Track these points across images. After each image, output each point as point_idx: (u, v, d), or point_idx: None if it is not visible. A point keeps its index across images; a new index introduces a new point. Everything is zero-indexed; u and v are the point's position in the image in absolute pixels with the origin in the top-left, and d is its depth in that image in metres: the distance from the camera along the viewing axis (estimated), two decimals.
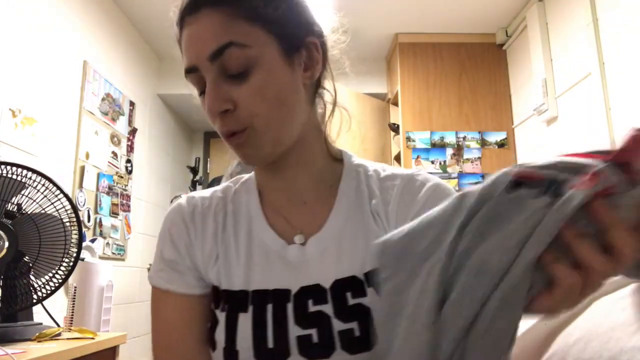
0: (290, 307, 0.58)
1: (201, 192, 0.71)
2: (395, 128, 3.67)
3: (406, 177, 0.63)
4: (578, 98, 2.63)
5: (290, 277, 0.60)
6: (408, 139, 3.43)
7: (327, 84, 0.68)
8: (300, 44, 0.61)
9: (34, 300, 1.34)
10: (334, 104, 0.69)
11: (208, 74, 0.57)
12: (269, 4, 0.58)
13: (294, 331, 0.56)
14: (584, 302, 0.62)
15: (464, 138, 3.45)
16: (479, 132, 3.45)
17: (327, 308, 0.57)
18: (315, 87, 0.65)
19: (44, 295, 1.35)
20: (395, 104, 3.69)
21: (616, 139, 2.42)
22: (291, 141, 0.61)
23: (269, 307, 0.58)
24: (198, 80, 0.59)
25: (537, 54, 2.97)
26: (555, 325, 0.62)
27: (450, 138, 3.44)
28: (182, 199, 0.71)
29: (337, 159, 0.69)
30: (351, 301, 0.56)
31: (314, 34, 0.63)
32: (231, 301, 0.60)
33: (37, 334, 1.30)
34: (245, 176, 0.72)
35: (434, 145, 3.43)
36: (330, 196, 0.65)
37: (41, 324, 1.42)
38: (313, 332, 0.56)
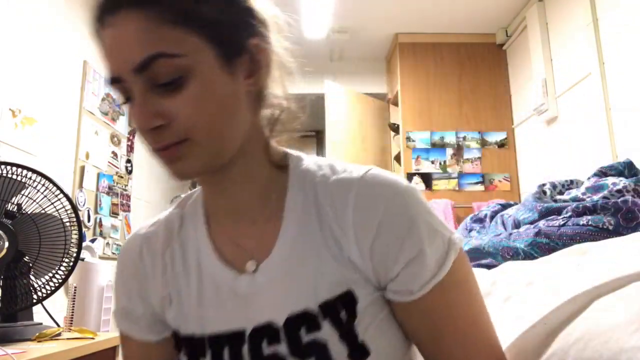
0: (245, 349, 0.55)
1: (149, 224, 0.67)
2: (395, 128, 3.67)
3: (357, 185, 0.55)
4: (578, 98, 2.63)
5: (243, 313, 0.56)
6: (408, 139, 3.43)
7: (276, 87, 0.60)
8: (242, 48, 0.54)
9: (34, 300, 1.34)
10: (282, 109, 0.61)
11: (134, 86, 0.50)
12: (203, 4, 0.51)
13: None
14: (584, 301, 0.62)
15: (464, 138, 3.45)
16: (479, 132, 3.45)
17: (282, 348, 0.54)
18: (261, 92, 0.58)
19: (44, 295, 1.35)
20: (395, 104, 3.69)
21: (616, 139, 2.41)
22: (232, 153, 0.55)
23: (226, 351, 0.56)
24: (122, 89, 0.52)
25: (537, 54, 2.97)
26: (555, 325, 0.62)
27: (450, 138, 3.44)
28: (131, 236, 0.67)
29: (283, 165, 0.61)
30: (305, 338, 0.53)
31: (257, 35, 0.55)
32: (189, 347, 0.59)
33: (37, 334, 1.30)
34: (195, 194, 0.67)
35: (434, 145, 3.43)
36: (278, 213, 0.58)
37: (41, 324, 1.42)
38: None
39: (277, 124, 0.61)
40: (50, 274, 1.35)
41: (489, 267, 1.34)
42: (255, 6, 0.56)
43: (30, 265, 1.33)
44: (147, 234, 0.65)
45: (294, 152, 0.64)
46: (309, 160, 0.62)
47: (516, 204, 1.84)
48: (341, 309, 0.53)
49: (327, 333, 0.53)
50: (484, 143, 3.44)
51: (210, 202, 0.63)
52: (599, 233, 1.17)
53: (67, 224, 1.36)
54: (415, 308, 0.53)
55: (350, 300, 0.54)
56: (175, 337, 0.61)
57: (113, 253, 2.94)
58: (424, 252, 0.52)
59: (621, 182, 1.32)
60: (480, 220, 1.86)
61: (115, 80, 0.51)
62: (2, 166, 1.30)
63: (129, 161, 3.22)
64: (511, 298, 0.84)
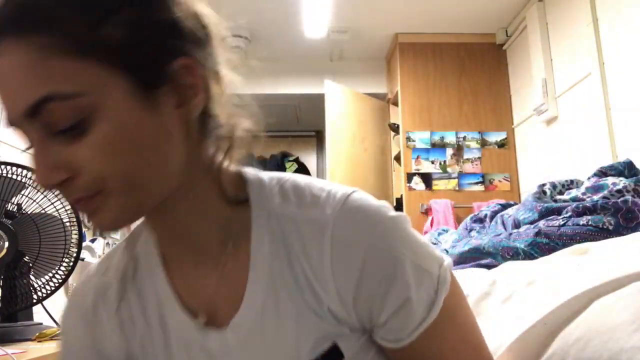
0: None
1: (100, 270, 0.59)
2: (395, 128, 3.67)
3: (332, 224, 0.47)
4: (578, 98, 2.63)
5: None
6: (408, 139, 3.43)
7: (221, 107, 0.49)
8: (164, 73, 0.44)
9: (34, 300, 1.34)
10: (233, 131, 0.51)
11: (30, 134, 0.42)
12: (105, 26, 0.40)
13: None
14: (584, 301, 0.62)
15: (464, 138, 3.45)
16: (479, 132, 3.45)
17: None
18: (202, 117, 0.48)
19: (44, 295, 1.35)
20: (395, 104, 3.69)
21: (616, 139, 2.40)
22: (162, 197, 0.47)
23: None
24: (19, 134, 0.44)
25: (537, 54, 2.97)
26: (555, 325, 0.62)
27: (450, 138, 3.44)
28: (81, 290, 0.59)
29: (244, 199, 0.52)
30: None
31: (185, 54, 0.45)
32: None
33: (37, 334, 1.30)
34: (144, 232, 0.58)
35: (434, 145, 3.43)
36: (243, 255, 0.51)
37: (41, 324, 1.42)
38: None
39: (231, 148, 0.51)
40: (50, 274, 1.35)
41: (489, 267, 1.34)
42: (179, 18, 0.44)
43: (30, 265, 1.33)
44: (99, 285, 0.57)
45: (252, 174, 0.54)
46: (271, 186, 0.53)
47: (516, 204, 1.84)
48: None
49: None
50: (484, 143, 3.44)
51: (163, 243, 0.55)
52: (599, 233, 1.17)
53: (67, 224, 1.36)
54: (406, 351, 0.49)
55: (337, 356, 0.48)
56: None
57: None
58: (411, 300, 0.47)
59: (621, 182, 1.32)
60: (480, 220, 1.86)
61: (11, 124, 0.43)
62: (2, 166, 1.30)
63: None
64: (511, 298, 0.84)
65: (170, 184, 0.47)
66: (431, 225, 3.14)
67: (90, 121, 0.41)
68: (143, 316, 0.54)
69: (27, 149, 0.44)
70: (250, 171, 0.55)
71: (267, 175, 0.54)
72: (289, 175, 0.55)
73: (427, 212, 3.29)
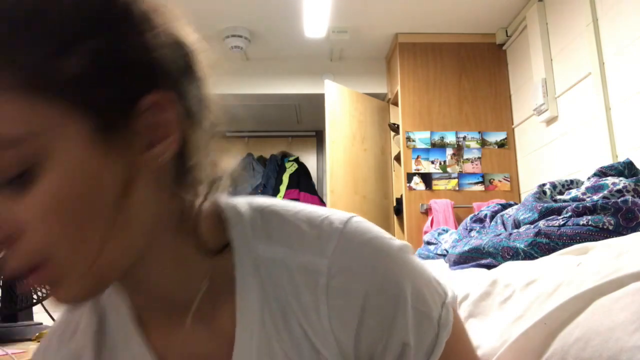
0: None
1: (67, 332, 0.49)
2: (395, 128, 3.67)
3: (328, 266, 0.42)
4: (578, 98, 2.63)
5: None
6: (408, 139, 3.43)
7: (201, 144, 0.42)
8: (131, 112, 0.36)
9: (34, 300, 1.34)
10: (213, 180, 0.43)
11: None
12: (60, 58, 0.33)
13: None
14: (584, 301, 0.62)
15: (464, 138, 3.45)
16: (479, 132, 3.45)
17: None
18: (179, 160, 0.41)
19: (44, 295, 1.35)
20: (395, 104, 3.69)
21: (616, 139, 2.41)
22: (129, 263, 0.39)
23: None
24: None
25: (537, 54, 2.97)
26: (555, 325, 0.62)
27: (450, 138, 3.44)
28: (49, 351, 0.49)
29: (218, 246, 0.44)
30: None
31: (158, 87, 0.38)
32: None
33: (37, 334, 1.30)
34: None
35: (434, 145, 3.43)
36: (230, 312, 0.44)
37: (41, 324, 1.42)
38: None
39: (212, 190, 0.44)
40: None
41: (489, 267, 1.34)
42: (152, 47, 0.37)
43: None
44: (73, 352, 0.47)
45: (229, 209, 0.46)
46: (253, 222, 0.46)
47: (516, 204, 1.84)
48: None
49: None
50: (484, 143, 3.44)
51: (137, 303, 0.47)
52: (599, 233, 1.17)
53: None
54: None
55: None
56: None
57: None
58: (409, 346, 0.44)
59: (621, 182, 1.32)
60: (480, 220, 1.86)
61: None
62: None
63: None
64: (511, 298, 0.84)
65: (138, 246, 0.39)
66: (431, 225, 3.14)
67: (36, 171, 0.33)
68: None
69: None
70: (226, 205, 0.47)
71: (245, 206, 0.47)
72: (270, 203, 0.48)
73: (427, 212, 3.29)
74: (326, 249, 0.43)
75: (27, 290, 0.35)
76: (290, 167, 4.36)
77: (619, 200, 1.22)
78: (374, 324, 0.43)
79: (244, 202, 0.48)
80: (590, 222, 1.21)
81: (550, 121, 2.91)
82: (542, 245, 1.25)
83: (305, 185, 4.27)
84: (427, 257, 1.95)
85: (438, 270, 1.52)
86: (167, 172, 0.40)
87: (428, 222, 3.22)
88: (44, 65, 0.33)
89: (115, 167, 0.36)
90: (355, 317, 0.43)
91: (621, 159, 1.83)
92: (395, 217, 3.66)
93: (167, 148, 0.39)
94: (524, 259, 1.28)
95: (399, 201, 3.53)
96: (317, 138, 4.92)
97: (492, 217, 1.78)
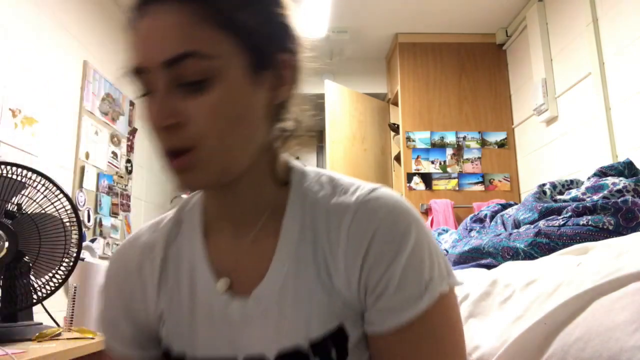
0: None
1: (149, 229, 0.64)
2: (395, 128, 3.67)
3: (354, 208, 0.53)
4: (578, 98, 2.63)
5: (234, 341, 0.54)
6: (408, 139, 3.43)
7: (294, 102, 0.58)
8: (271, 61, 0.53)
9: (34, 300, 1.34)
10: (295, 129, 0.59)
11: (159, 80, 0.48)
12: (245, 9, 0.50)
13: None
14: (584, 301, 0.62)
15: (464, 138, 3.45)
16: (479, 132, 3.45)
17: None
18: (279, 106, 0.56)
19: (44, 295, 1.35)
20: (395, 104, 3.69)
21: (616, 139, 2.40)
22: (242, 168, 0.53)
23: None
24: (144, 81, 0.50)
25: (537, 54, 2.97)
26: (555, 325, 0.62)
27: (450, 138, 3.44)
28: (129, 245, 0.64)
29: (286, 181, 0.58)
30: None
31: (288, 51, 0.54)
32: None
33: (37, 334, 1.30)
34: (193, 199, 0.64)
35: (434, 145, 3.43)
36: (275, 232, 0.56)
37: (41, 324, 1.42)
38: None
39: (290, 138, 0.59)
40: (50, 274, 1.35)
41: (489, 267, 1.34)
42: (290, 23, 0.55)
43: (30, 265, 1.33)
44: (148, 243, 0.61)
45: (298, 164, 0.61)
46: (312, 176, 0.59)
47: (516, 204, 1.84)
48: (332, 347, 0.51)
49: None
50: (484, 143, 3.44)
51: (211, 213, 0.61)
52: (599, 233, 1.17)
53: (67, 224, 1.36)
54: (380, 344, 0.51)
55: (342, 337, 0.52)
56: (166, 356, 0.58)
57: (113, 253, 2.94)
58: (390, 289, 0.50)
59: (621, 182, 1.32)
60: (480, 220, 1.86)
61: (139, 71, 0.49)
62: (2, 166, 1.30)
63: (129, 161, 3.22)
64: (511, 298, 0.84)
65: (251, 156, 0.53)
66: (431, 225, 3.14)
67: (210, 83, 0.48)
68: (176, 276, 0.58)
69: (141, 95, 0.51)
70: (296, 162, 0.61)
71: (309, 167, 0.61)
72: (328, 170, 0.61)
73: (427, 212, 3.29)
74: (358, 196, 0.54)
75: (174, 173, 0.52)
76: None
77: (619, 200, 1.22)
78: (375, 257, 0.50)
79: (307, 166, 0.62)
80: (590, 222, 1.21)
81: (550, 121, 2.91)
82: (542, 245, 1.25)
83: None
84: None
85: None
86: (271, 112, 0.54)
87: (428, 222, 3.22)
88: (233, 13, 0.49)
89: (256, 96, 0.51)
90: (363, 249, 0.51)
91: (621, 159, 1.83)
92: None
93: (284, 93, 0.54)
94: (524, 259, 1.28)
95: None
96: (317, 138, 4.92)
97: (492, 217, 1.78)
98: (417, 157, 3.41)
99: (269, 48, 0.52)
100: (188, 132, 0.48)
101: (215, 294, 0.55)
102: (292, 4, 0.56)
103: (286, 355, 0.52)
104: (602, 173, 1.46)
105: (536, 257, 1.21)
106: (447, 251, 1.67)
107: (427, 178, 3.38)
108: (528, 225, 1.41)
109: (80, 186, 2.59)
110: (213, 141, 0.49)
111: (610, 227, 1.18)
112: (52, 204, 1.34)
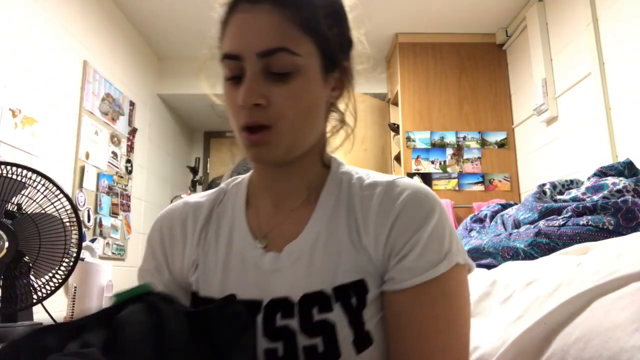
0: (260, 318, 0.59)
1: (197, 197, 0.72)
2: (395, 128, 3.67)
3: (386, 184, 0.62)
4: (578, 98, 2.63)
5: (262, 286, 0.61)
6: (408, 139, 3.43)
7: (344, 103, 0.70)
8: (337, 65, 0.64)
9: (34, 300, 1.34)
10: (344, 123, 0.71)
11: (251, 67, 0.57)
12: (327, 20, 0.61)
13: (262, 343, 0.58)
14: (584, 301, 0.62)
15: (464, 138, 3.45)
16: (479, 132, 3.45)
17: (294, 323, 0.57)
18: (334, 105, 0.68)
19: (44, 295, 1.35)
20: (395, 104, 3.69)
21: (616, 139, 2.40)
22: (303, 150, 0.63)
23: None
24: (234, 67, 0.59)
25: (537, 54, 2.97)
26: (555, 325, 0.62)
27: (450, 138, 3.44)
28: (177, 204, 0.72)
29: (327, 165, 0.69)
30: (317, 317, 0.57)
31: (348, 59, 0.66)
32: None
33: None
34: (240, 177, 0.73)
35: (434, 145, 3.43)
36: (313, 203, 0.65)
37: (41, 324, 1.42)
38: (279, 345, 0.57)
39: (335, 133, 0.70)
40: (50, 274, 1.35)
41: (489, 267, 1.34)
42: (353, 37, 0.67)
43: (30, 265, 1.33)
44: (196, 204, 0.70)
45: (337, 157, 0.72)
46: (348, 167, 0.70)
47: (516, 204, 1.84)
48: (352, 295, 0.57)
49: (337, 316, 0.56)
50: (484, 143, 3.44)
51: (259, 187, 0.69)
52: (599, 233, 1.17)
53: (67, 224, 1.36)
54: (396, 302, 0.57)
55: (362, 288, 0.58)
56: (193, 298, 0.64)
57: (113, 253, 2.94)
58: (413, 254, 0.57)
59: (621, 182, 1.32)
60: (480, 220, 1.86)
61: (233, 57, 0.58)
62: (2, 166, 1.30)
63: (129, 161, 3.22)
64: (511, 298, 0.84)
65: (310, 142, 0.64)
66: None
67: (293, 76, 0.58)
68: (216, 233, 0.67)
69: (228, 79, 0.60)
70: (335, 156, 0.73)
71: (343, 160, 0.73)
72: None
73: None
74: (390, 177, 0.64)
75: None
76: None
77: (619, 200, 1.22)
78: (404, 224, 0.58)
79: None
80: (590, 222, 1.21)
81: (550, 121, 2.91)
82: (542, 245, 1.25)
83: None
84: None
85: None
86: (327, 109, 0.66)
87: None
88: (318, 22, 0.60)
89: (321, 91, 0.62)
90: (393, 216, 0.59)
91: (621, 159, 1.83)
92: None
93: (339, 94, 0.66)
94: (524, 259, 1.28)
95: None
96: None
97: (492, 217, 1.78)
98: (417, 157, 3.41)
99: (337, 55, 0.64)
100: (269, 113, 0.57)
101: (251, 248, 0.63)
102: (359, 22, 0.69)
103: (310, 297, 0.58)
104: (602, 173, 1.46)
105: (536, 257, 1.21)
106: None
107: (427, 178, 3.38)
108: (528, 225, 1.41)
109: (80, 186, 2.59)
110: (287, 123, 0.58)
111: (610, 227, 1.18)
112: (52, 204, 1.34)
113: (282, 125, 0.58)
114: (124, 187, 3.13)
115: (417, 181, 0.63)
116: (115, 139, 3.03)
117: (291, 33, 0.57)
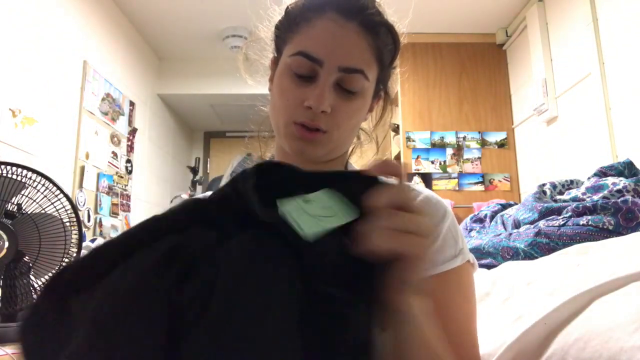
0: None
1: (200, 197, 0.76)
2: (395, 128, 3.67)
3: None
4: (578, 98, 2.63)
5: None
6: (408, 139, 3.43)
7: (366, 125, 0.80)
8: (378, 95, 0.72)
9: (34, 300, 1.34)
10: (360, 140, 0.82)
11: (328, 75, 0.62)
12: (392, 58, 0.69)
13: None
14: (584, 301, 0.62)
15: (464, 138, 3.45)
16: (479, 132, 3.45)
17: None
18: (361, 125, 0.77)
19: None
20: (395, 104, 3.69)
21: (616, 139, 2.39)
22: (337, 156, 0.70)
23: None
24: (307, 67, 0.63)
25: (537, 54, 2.97)
26: (555, 325, 0.62)
27: (450, 138, 3.44)
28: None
29: (345, 165, 0.77)
30: None
31: (384, 91, 0.74)
32: None
33: None
34: None
35: (434, 145, 3.43)
36: None
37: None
38: None
39: (356, 147, 0.80)
40: (50, 274, 1.35)
41: (489, 267, 1.34)
42: (392, 73, 0.74)
43: (30, 265, 1.33)
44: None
45: (352, 164, 0.80)
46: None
47: (516, 204, 1.84)
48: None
49: None
50: (484, 143, 3.44)
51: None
52: (599, 233, 1.17)
53: (67, 224, 1.36)
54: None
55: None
56: None
57: None
58: (434, 248, 0.61)
59: (621, 182, 1.32)
60: (480, 220, 1.86)
61: (313, 59, 0.62)
62: (2, 166, 1.30)
63: (129, 161, 3.22)
64: (511, 298, 0.84)
65: (344, 150, 0.72)
66: None
67: (357, 96, 0.64)
68: None
69: (300, 76, 0.64)
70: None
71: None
72: None
73: None
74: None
75: None
76: None
77: (619, 200, 1.22)
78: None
79: None
80: (590, 222, 1.21)
81: (550, 121, 2.91)
82: (542, 245, 1.25)
83: None
84: None
85: None
86: (359, 124, 0.73)
87: None
88: (386, 57, 0.68)
89: (364, 113, 0.70)
90: None
91: (621, 159, 1.83)
92: None
93: (370, 113, 0.74)
94: (524, 259, 1.28)
95: None
96: None
97: (492, 217, 1.78)
98: (417, 157, 3.41)
99: (382, 85, 0.71)
100: (329, 121, 0.63)
101: None
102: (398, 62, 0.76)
103: None
104: (602, 173, 1.46)
105: (536, 257, 1.21)
106: None
107: (427, 178, 3.38)
108: (528, 225, 1.41)
109: (80, 186, 2.59)
110: (338, 133, 0.65)
111: (610, 227, 1.18)
112: (52, 204, 1.34)
113: (334, 134, 0.64)
114: (124, 187, 3.13)
115: (423, 188, 0.68)
116: (115, 139, 3.03)
117: (369, 59, 0.63)
